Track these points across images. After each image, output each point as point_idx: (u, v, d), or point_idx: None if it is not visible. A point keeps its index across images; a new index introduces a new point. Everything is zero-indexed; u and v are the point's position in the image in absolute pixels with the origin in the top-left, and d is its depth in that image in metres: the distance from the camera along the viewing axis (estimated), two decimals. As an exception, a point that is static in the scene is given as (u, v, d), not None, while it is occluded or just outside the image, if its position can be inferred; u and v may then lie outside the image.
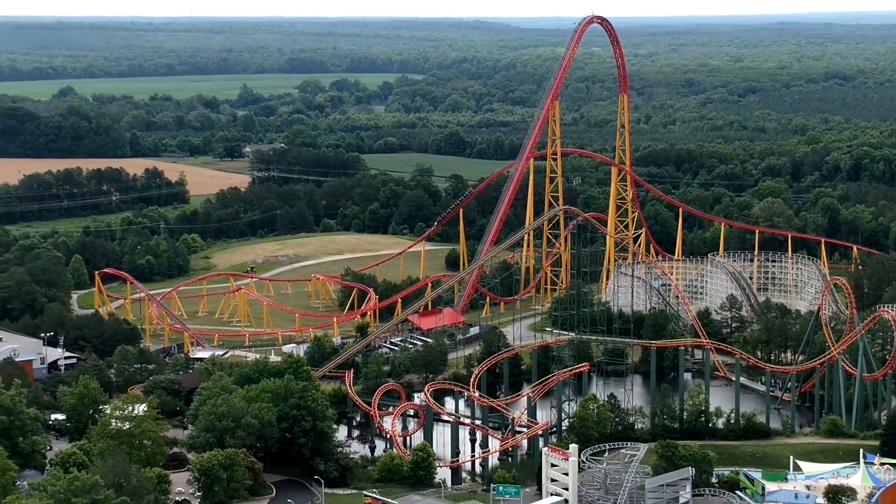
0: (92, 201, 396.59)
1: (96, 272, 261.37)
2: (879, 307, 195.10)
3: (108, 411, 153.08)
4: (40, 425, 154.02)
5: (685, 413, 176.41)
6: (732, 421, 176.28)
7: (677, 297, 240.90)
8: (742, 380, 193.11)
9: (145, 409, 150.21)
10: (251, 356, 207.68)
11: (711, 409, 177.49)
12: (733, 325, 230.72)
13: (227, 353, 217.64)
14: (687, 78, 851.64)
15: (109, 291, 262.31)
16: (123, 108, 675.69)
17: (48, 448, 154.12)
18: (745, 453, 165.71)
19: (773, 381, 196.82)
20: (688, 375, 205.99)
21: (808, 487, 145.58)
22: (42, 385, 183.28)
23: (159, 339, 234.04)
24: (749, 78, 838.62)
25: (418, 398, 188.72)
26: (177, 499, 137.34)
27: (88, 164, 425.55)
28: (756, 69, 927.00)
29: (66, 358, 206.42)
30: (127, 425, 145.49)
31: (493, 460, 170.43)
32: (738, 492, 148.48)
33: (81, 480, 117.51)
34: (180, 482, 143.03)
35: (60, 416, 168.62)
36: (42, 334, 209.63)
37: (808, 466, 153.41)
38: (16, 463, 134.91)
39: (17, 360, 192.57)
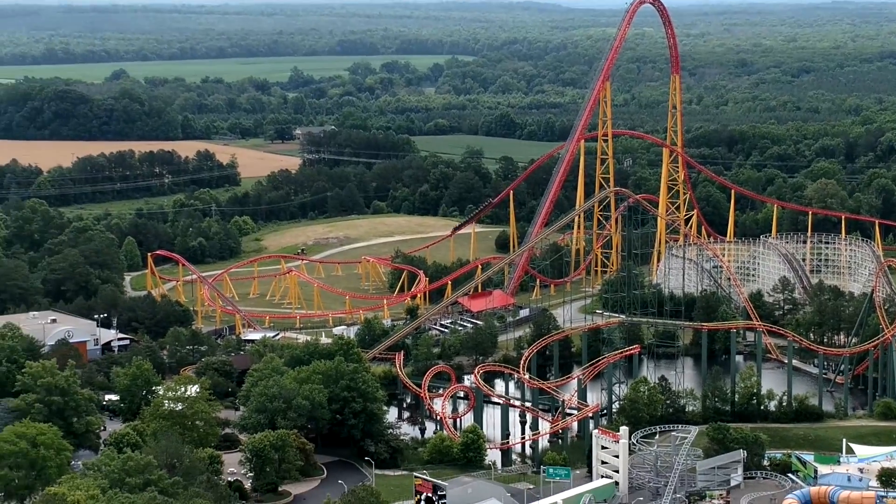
0: (144, 184, 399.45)
1: (149, 254, 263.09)
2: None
3: (160, 392, 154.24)
4: (94, 406, 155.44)
5: (737, 395, 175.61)
6: (785, 403, 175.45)
7: (729, 279, 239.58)
8: (794, 362, 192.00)
9: (197, 390, 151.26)
10: (302, 338, 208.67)
11: (763, 391, 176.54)
12: (786, 307, 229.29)
13: (277, 334, 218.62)
14: (739, 58, 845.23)
15: (162, 273, 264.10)
16: (175, 90, 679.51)
17: (102, 428, 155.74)
18: (797, 436, 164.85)
19: (825, 363, 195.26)
20: (739, 358, 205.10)
21: (860, 470, 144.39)
22: (96, 366, 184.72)
23: (211, 321, 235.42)
24: (802, 58, 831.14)
25: (468, 380, 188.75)
26: (229, 479, 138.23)
27: (141, 147, 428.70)
28: (810, 49, 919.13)
29: (119, 339, 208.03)
30: (179, 406, 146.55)
31: (544, 442, 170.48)
32: (790, 474, 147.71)
33: (135, 461, 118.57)
34: (232, 463, 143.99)
35: (114, 397, 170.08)
36: (96, 316, 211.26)
37: (860, 449, 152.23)
38: (70, 443, 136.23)
39: (71, 341, 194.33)
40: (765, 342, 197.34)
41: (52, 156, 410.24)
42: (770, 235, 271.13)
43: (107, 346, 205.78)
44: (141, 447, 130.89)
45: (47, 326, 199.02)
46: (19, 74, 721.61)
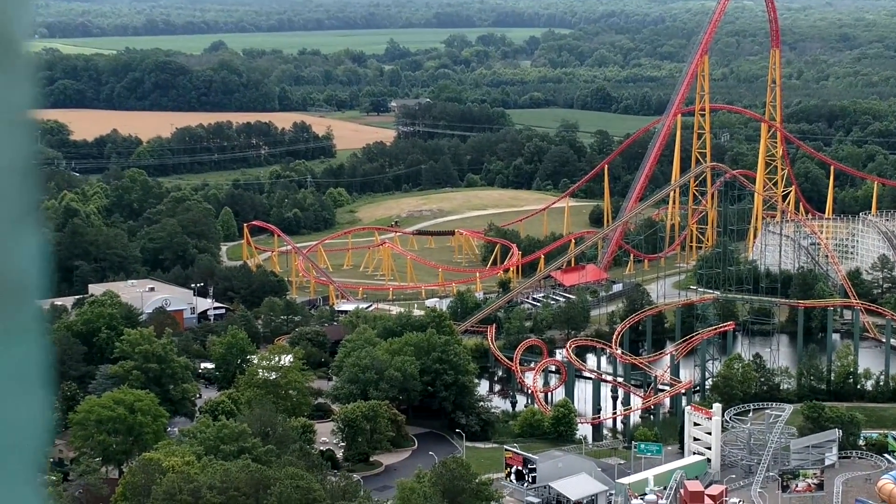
0: (241, 154, 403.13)
1: (245, 224, 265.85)
2: None
3: (255, 361, 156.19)
4: (190, 374, 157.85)
5: (833, 374, 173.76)
6: (882, 383, 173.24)
7: (827, 256, 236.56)
8: (893, 341, 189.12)
9: (291, 359, 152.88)
10: (394, 310, 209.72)
11: (860, 370, 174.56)
12: (884, 285, 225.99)
13: (370, 306, 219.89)
14: (841, 32, 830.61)
15: (257, 244, 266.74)
16: (273, 62, 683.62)
17: (198, 396, 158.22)
18: (893, 416, 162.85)
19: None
20: (836, 336, 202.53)
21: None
22: (192, 334, 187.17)
23: (305, 292, 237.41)
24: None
25: (560, 354, 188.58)
26: (321, 448, 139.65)
27: (238, 118, 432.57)
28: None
29: (215, 308, 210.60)
30: (273, 375, 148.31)
31: (635, 418, 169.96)
32: (885, 455, 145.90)
33: (230, 428, 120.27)
34: (324, 432, 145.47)
35: (210, 365, 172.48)
36: (192, 285, 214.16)
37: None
38: (167, 410, 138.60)
39: (168, 309, 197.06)
40: (862, 320, 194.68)
41: (151, 126, 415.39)
42: (869, 213, 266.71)
43: (203, 315, 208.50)
44: (235, 415, 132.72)
45: (145, 295, 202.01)
46: (121, 46, 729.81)
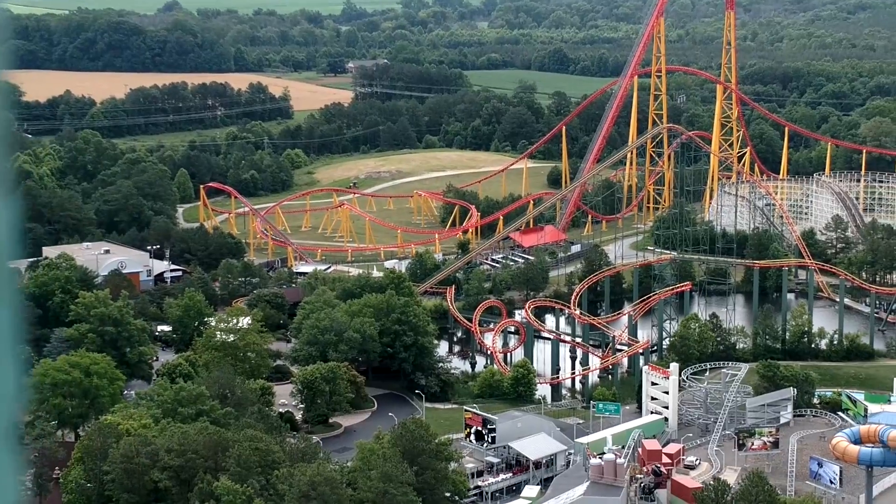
0: (197, 116, 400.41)
1: (201, 186, 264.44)
2: None
3: (213, 323, 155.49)
4: (147, 336, 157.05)
5: (788, 333, 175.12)
6: (835, 342, 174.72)
7: (781, 216, 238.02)
8: (846, 301, 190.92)
9: (249, 322, 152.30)
10: (353, 271, 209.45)
11: (814, 329, 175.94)
12: (838, 245, 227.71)
13: (329, 267, 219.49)
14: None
15: (214, 205, 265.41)
16: (228, 22, 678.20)
17: (155, 359, 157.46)
18: (847, 374, 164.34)
19: (877, 302, 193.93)
20: (791, 296, 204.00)
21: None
22: (148, 297, 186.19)
23: (263, 254, 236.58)
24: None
25: (519, 315, 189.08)
26: (280, 410, 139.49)
27: (193, 79, 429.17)
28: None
29: (171, 270, 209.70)
30: (231, 338, 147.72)
31: (594, 378, 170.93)
32: (839, 413, 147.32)
33: (187, 391, 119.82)
34: (283, 394, 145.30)
35: (166, 328, 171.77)
36: (148, 247, 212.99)
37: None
38: (123, 373, 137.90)
39: (124, 272, 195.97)
40: (817, 280, 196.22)
41: (105, 87, 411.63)
42: (823, 174, 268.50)
43: (159, 278, 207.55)
44: (193, 378, 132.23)
45: (100, 257, 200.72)
46: (73, 5, 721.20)
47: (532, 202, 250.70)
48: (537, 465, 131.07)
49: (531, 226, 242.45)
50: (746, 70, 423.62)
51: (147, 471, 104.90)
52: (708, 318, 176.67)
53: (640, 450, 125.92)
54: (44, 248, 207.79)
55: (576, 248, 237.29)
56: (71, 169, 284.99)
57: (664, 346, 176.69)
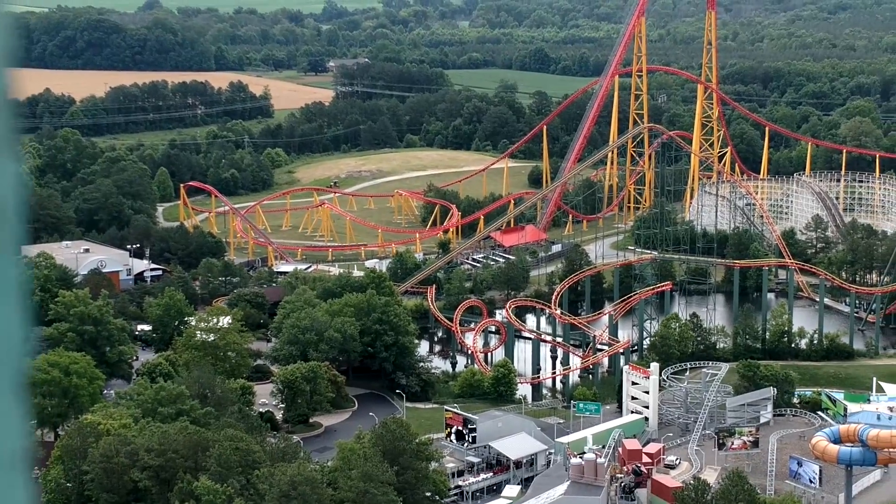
0: (177, 114, 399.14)
1: (181, 185, 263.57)
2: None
3: (193, 323, 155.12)
4: (127, 336, 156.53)
5: (768, 333, 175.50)
6: (815, 341, 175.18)
7: (762, 216, 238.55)
8: (826, 300, 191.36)
9: (230, 321, 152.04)
10: (334, 271, 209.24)
11: (794, 329, 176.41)
12: (818, 245, 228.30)
13: (310, 267, 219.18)
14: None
15: (194, 204, 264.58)
16: (208, 21, 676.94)
17: (135, 358, 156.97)
18: (827, 374, 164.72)
19: (857, 302, 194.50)
20: (771, 295, 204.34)
21: (890, 409, 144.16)
22: (128, 296, 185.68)
23: (243, 253, 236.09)
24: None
25: (500, 315, 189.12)
26: (260, 410, 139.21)
27: (174, 78, 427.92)
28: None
29: (151, 269, 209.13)
30: (212, 337, 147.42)
31: (574, 377, 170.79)
32: (819, 412, 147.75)
33: (167, 390, 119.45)
34: (264, 394, 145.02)
35: (146, 327, 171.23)
36: (128, 246, 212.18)
37: (891, 388, 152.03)
38: (103, 372, 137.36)
39: (104, 271, 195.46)
40: (797, 280, 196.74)
41: (84, 85, 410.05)
42: (804, 173, 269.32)
43: (139, 277, 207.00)
44: (173, 377, 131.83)
45: (80, 256, 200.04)
46: (52, 3, 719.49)
47: (513, 202, 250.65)
48: (518, 464, 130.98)
49: (512, 225, 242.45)
50: (727, 70, 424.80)
51: (127, 470, 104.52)
52: (688, 318, 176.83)
53: (620, 449, 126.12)
54: (23, 246, 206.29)
55: (556, 248, 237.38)
56: (50, 167, 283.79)
57: (645, 346, 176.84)
